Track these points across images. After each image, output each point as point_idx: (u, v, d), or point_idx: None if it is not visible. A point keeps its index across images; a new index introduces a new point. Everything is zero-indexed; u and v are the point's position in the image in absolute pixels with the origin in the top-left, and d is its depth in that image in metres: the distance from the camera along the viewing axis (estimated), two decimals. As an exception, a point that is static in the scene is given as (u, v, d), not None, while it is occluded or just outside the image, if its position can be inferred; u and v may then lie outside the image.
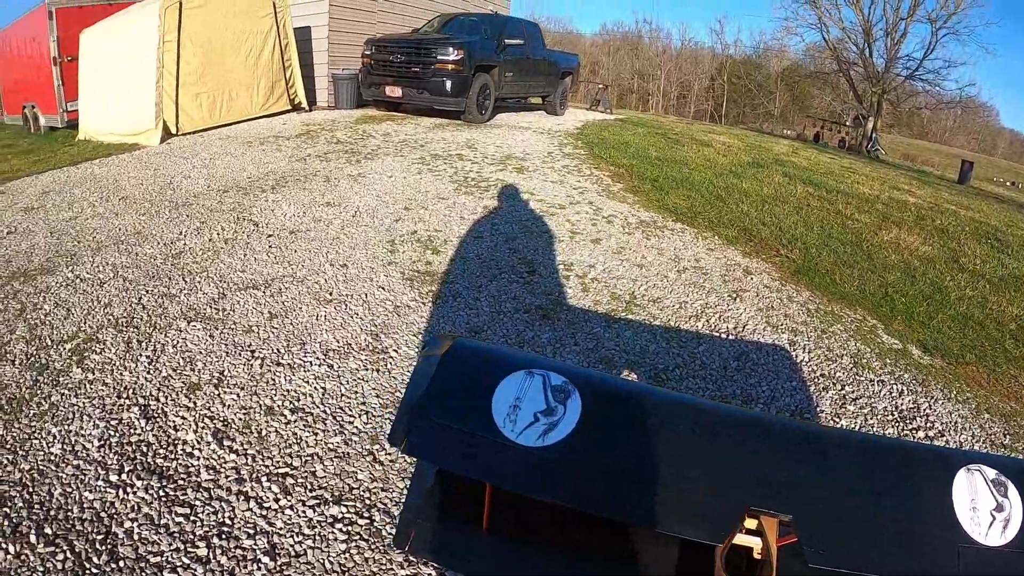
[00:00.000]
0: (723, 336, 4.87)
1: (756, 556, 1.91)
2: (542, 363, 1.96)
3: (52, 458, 3.06)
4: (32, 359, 3.97)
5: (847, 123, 43.02)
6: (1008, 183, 33.33)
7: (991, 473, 1.80)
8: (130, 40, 11.94)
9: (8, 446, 3.14)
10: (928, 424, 4.10)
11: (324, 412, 3.49)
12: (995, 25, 75.26)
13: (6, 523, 2.65)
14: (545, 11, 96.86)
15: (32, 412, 3.42)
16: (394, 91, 13.35)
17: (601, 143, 12.15)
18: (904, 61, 38.94)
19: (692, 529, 1.77)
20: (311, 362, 3.99)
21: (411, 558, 2.55)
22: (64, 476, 2.94)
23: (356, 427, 3.38)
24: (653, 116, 30.00)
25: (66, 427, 3.29)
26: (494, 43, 13.97)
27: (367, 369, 3.94)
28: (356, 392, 3.68)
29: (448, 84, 12.70)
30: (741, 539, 1.90)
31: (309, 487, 2.93)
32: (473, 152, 10.24)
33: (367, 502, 2.85)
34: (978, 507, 1.74)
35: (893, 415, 4.12)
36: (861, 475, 1.88)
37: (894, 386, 4.46)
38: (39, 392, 3.62)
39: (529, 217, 7.05)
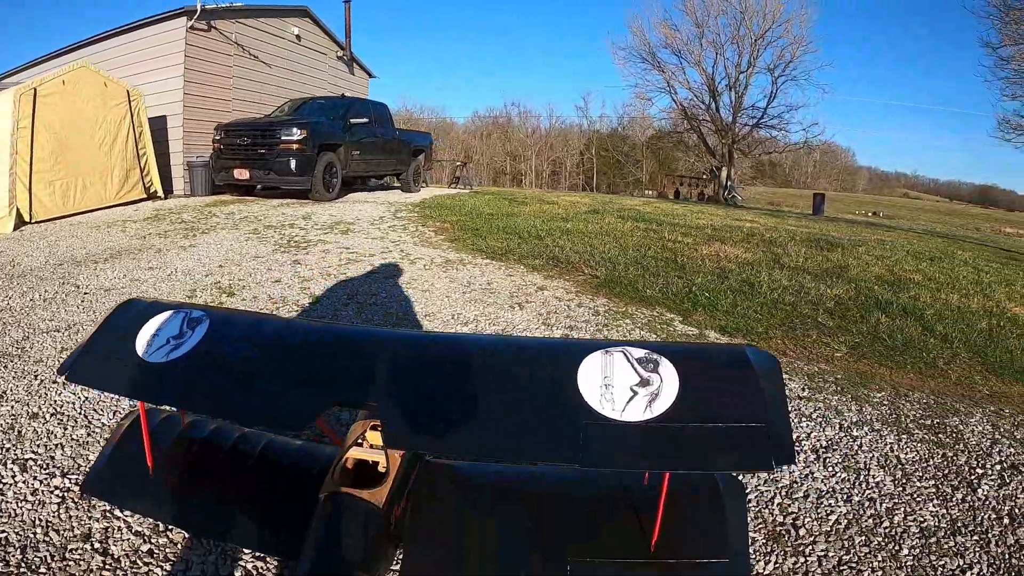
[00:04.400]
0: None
1: (380, 470, 2.34)
2: (197, 307, 2.47)
3: None
4: None
5: (704, 176, 45.21)
6: (869, 213, 35.35)
7: (639, 352, 2.06)
8: (-16, 126, 12.16)
9: None
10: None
11: (77, 412, 4.18)
12: (829, 67, 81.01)
13: None
14: (418, 101, 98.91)
15: None
16: (242, 173, 13.96)
17: (437, 207, 13.02)
18: (749, 111, 42.18)
19: (278, 421, 2.27)
20: (80, 380, 4.62)
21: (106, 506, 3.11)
22: None
23: (103, 422, 4.06)
24: (516, 189, 30.98)
25: None
26: (341, 123, 14.82)
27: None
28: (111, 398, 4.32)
29: (293, 163, 13.41)
30: (367, 454, 2.40)
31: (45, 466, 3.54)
32: (307, 222, 10.99)
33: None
34: (613, 384, 1.97)
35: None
36: (463, 368, 2.21)
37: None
38: None
39: (333, 264, 7.77)
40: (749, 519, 3.20)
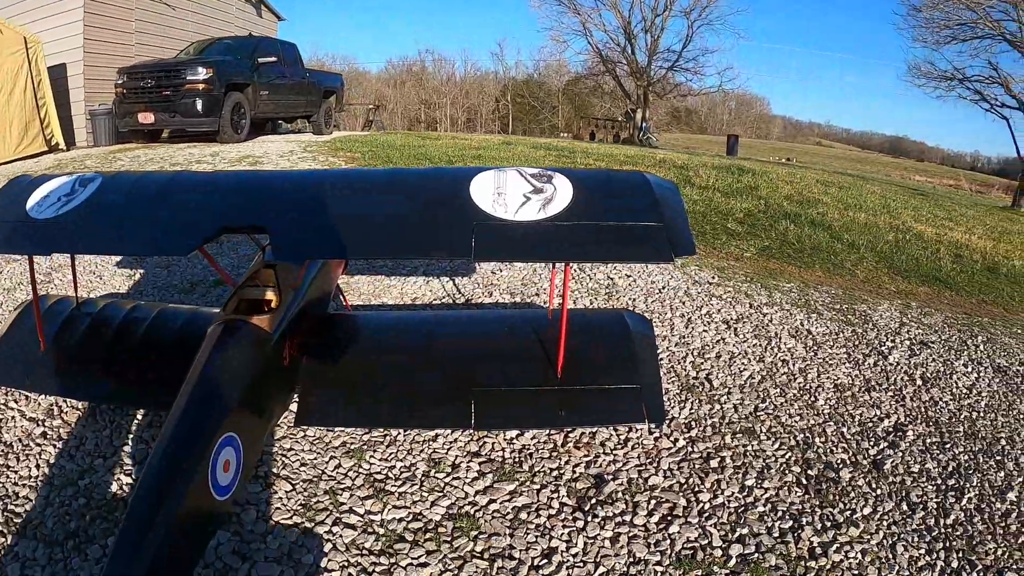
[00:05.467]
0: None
1: (273, 306, 2.39)
2: (92, 173, 2.50)
3: None
4: None
5: (620, 119, 45.31)
6: (784, 159, 35.67)
7: (532, 170, 2.23)
8: None
9: None
10: (650, 283, 5.02)
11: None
12: (745, 12, 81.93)
13: None
14: (330, 50, 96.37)
15: None
16: (147, 117, 13.24)
17: (348, 141, 12.75)
18: (665, 55, 41.94)
19: (165, 246, 2.32)
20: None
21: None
22: None
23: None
24: (431, 132, 30.88)
25: None
26: (248, 63, 14.25)
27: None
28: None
29: (199, 104, 12.78)
30: (260, 293, 2.43)
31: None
32: (215, 158, 10.62)
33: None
34: (505, 193, 2.11)
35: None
36: (351, 190, 2.34)
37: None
38: None
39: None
40: (662, 374, 3.23)
